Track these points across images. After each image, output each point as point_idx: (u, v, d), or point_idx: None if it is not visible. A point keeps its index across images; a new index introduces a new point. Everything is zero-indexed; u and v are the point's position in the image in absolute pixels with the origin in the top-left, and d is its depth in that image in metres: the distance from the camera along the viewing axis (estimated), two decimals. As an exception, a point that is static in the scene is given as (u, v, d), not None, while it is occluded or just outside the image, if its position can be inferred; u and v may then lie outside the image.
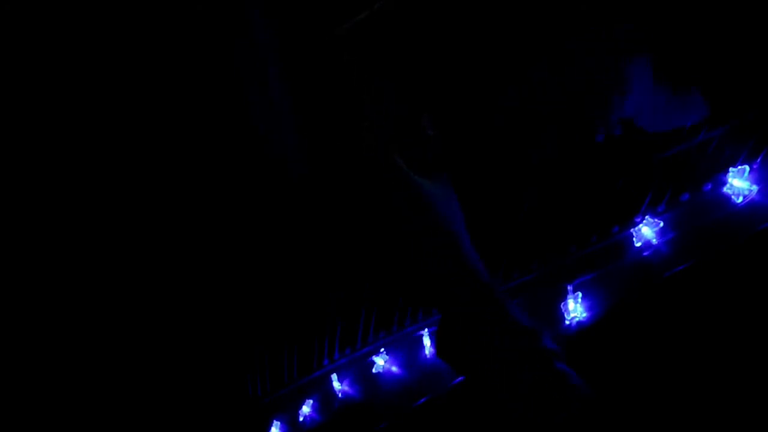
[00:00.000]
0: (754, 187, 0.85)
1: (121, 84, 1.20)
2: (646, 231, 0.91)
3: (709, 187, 0.90)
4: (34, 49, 1.18)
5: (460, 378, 1.01)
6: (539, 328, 0.67)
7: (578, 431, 0.63)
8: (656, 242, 0.90)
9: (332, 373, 1.17)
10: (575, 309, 0.92)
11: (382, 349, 1.11)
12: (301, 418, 1.19)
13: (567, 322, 0.92)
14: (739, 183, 0.86)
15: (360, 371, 1.15)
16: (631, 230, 0.93)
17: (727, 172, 0.87)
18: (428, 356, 1.06)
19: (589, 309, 0.91)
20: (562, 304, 0.93)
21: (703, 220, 0.88)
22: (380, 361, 1.11)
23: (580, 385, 0.64)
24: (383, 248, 0.74)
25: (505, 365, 0.65)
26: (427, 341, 1.07)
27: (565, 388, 0.64)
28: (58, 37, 1.17)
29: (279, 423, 1.23)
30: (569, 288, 0.93)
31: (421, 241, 0.70)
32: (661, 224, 0.91)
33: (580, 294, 0.92)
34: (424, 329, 1.08)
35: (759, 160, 0.86)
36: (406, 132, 0.77)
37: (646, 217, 0.92)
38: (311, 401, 1.19)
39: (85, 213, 1.27)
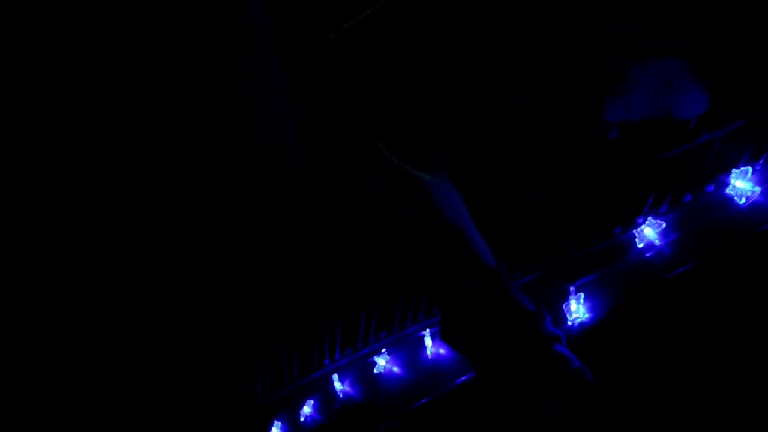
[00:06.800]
0: (757, 189, 0.85)
1: (120, 88, 1.20)
2: (649, 232, 0.92)
3: (712, 188, 0.90)
4: (34, 49, 1.17)
5: (460, 379, 1.01)
6: (542, 312, 0.68)
7: (578, 416, 0.63)
8: (659, 243, 0.91)
9: (333, 374, 1.17)
10: (578, 310, 0.92)
11: (384, 350, 1.11)
12: (302, 419, 1.19)
13: (569, 323, 0.92)
14: (741, 184, 0.86)
15: (361, 371, 1.14)
16: (634, 231, 0.93)
17: (730, 173, 0.88)
18: (429, 356, 1.06)
19: (591, 310, 0.92)
20: (565, 304, 0.93)
21: (705, 222, 0.89)
22: (381, 362, 1.11)
23: (582, 369, 0.65)
24: (387, 239, 0.74)
25: (507, 347, 0.66)
26: (428, 341, 1.06)
27: (564, 371, 0.64)
28: (57, 38, 1.16)
29: (280, 423, 1.23)
30: (571, 289, 0.93)
31: (424, 229, 0.70)
32: (664, 225, 0.91)
33: (582, 295, 0.92)
34: (425, 330, 1.08)
35: (761, 161, 0.87)
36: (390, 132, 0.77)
37: (649, 218, 0.92)
38: (312, 401, 1.19)
39: (86, 214, 1.27)
